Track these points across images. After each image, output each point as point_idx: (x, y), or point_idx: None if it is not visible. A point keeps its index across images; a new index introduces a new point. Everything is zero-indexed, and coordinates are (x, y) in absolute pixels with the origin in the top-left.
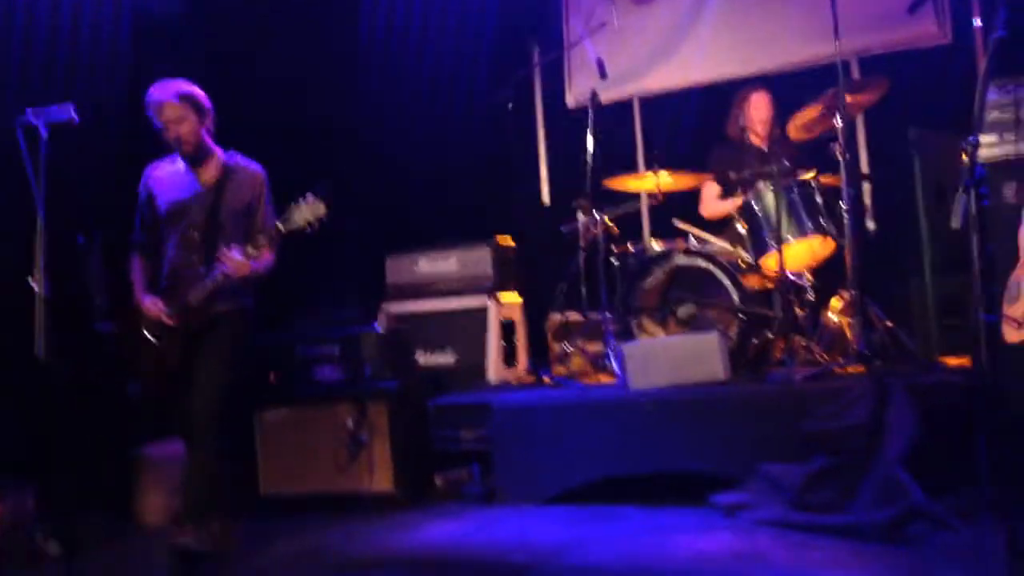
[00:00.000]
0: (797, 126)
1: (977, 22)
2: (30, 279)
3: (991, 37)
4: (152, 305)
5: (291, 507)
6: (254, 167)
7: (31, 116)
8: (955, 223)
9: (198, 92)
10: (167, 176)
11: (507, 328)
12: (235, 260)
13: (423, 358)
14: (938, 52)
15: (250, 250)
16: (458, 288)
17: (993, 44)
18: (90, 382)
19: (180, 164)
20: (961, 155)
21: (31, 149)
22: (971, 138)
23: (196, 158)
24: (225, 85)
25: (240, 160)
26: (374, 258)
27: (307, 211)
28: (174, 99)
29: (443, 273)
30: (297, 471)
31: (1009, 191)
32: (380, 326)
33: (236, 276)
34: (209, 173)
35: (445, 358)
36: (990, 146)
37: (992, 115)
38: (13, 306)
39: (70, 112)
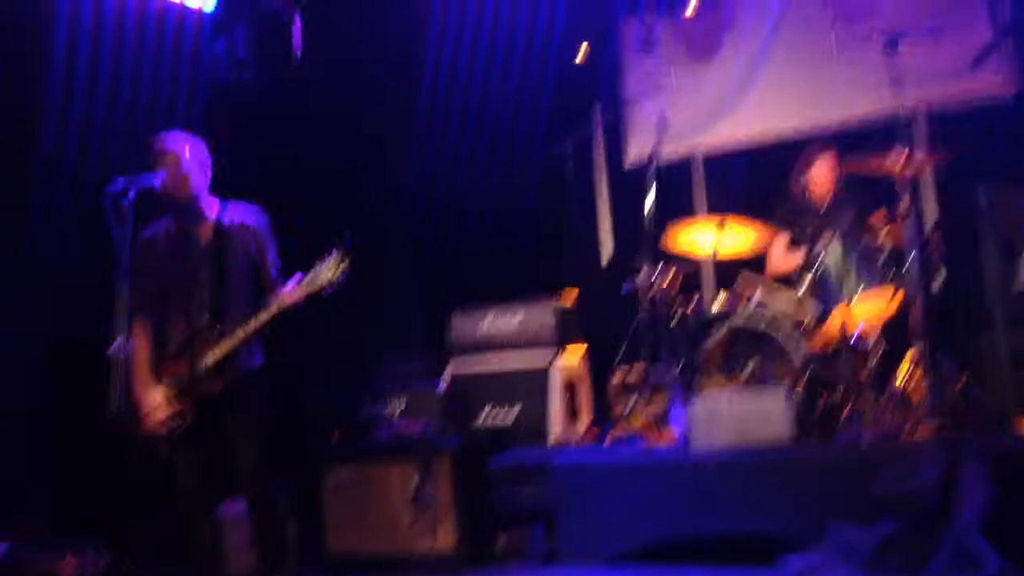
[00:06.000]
0: (858, 166)
1: None
2: (115, 340)
3: None
4: (155, 402)
5: (357, 565)
6: (253, 213)
7: (122, 184)
8: (1016, 286)
9: (203, 146)
10: (163, 240)
11: (570, 385)
12: (291, 292)
13: (486, 415)
14: (1009, 104)
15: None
16: (522, 344)
17: None
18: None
19: (172, 226)
20: None
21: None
22: None
23: (191, 211)
24: (286, 144)
25: (239, 208)
26: (437, 314)
27: (331, 268)
28: (178, 148)
29: (507, 329)
30: (363, 529)
31: None
32: (444, 383)
33: (292, 306)
34: (207, 229)
35: (508, 415)
36: None
37: None
38: (81, 365)
39: (158, 179)
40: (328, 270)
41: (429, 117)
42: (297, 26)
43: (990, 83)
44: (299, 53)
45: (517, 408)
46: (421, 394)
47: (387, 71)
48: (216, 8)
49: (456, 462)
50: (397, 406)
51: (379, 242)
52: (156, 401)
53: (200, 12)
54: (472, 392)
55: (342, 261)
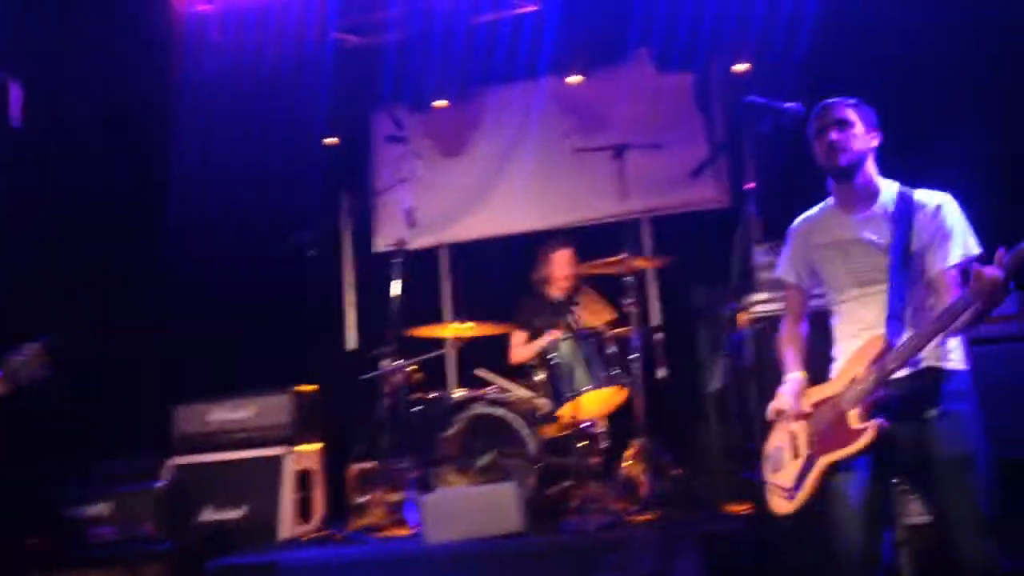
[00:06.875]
0: (591, 266)
1: (750, 187)
2: None
3: (744, 211)
4: None
5: None
6: None
7: None
8: (715, 384)
9: None
10: None
11: (304, 479)
12: None
13: (212, 514)
14: (722, 213)
15: None
16: (253, 438)
17: (744, 217)
18: None
19: None
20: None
21: None
22: (731, 305)
23: None
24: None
25: None
26: (162, 408)
27: (27, 365)
28: None
29: (238, 423)
30: None
31: None
32: (162, 481)
33: None
34: None
35: (235, 513)
36: (763, 303)
37: (763, 275)
38: None
39: None
40: (24, 367)
41: (177, 198)
42: (15, 93)
43: (706, 193)
44: (18, 122)
45: (245, 505)
46: (134, 494)
47: (128, 147)
48: None
49: (170, 567)
50: (106, 508)
51: (101, 329)
52: None
53: None
54: (195, 490)
55: (41, 357)
